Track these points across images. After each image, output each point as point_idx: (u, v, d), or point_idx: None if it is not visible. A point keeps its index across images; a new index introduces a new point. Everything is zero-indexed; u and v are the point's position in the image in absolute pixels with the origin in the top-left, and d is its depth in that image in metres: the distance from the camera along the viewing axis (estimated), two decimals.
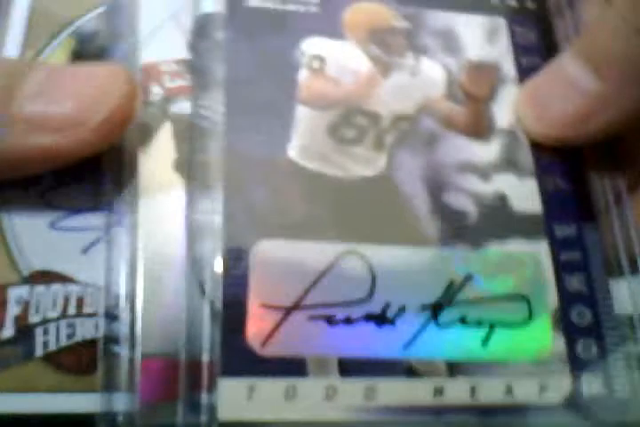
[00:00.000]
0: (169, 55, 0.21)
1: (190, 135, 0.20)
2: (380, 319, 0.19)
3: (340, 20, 0.22)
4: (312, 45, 0.22)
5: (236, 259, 0.19)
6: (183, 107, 0.21)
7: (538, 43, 0.24)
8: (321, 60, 0.22)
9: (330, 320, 0.19)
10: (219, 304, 0.18)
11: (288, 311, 0.19)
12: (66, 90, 0.18)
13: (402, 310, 0.19)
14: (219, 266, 0.18)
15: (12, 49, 0.20)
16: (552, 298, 0.21)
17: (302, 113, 0.21)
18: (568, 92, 0.21)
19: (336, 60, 0.22)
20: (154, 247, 0.19)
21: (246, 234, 0.19)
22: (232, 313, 0.18)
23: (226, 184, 0.19)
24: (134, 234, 0.19)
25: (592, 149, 0.23)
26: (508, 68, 0.23)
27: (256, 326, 0.18)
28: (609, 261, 0.22)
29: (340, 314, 0.19)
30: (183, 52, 0.21)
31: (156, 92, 0.21)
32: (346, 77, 0.22)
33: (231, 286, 0.18)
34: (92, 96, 0.18)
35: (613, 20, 0.21)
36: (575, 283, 0.21)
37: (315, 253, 0.19)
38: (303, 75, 0.21)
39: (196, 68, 0.21)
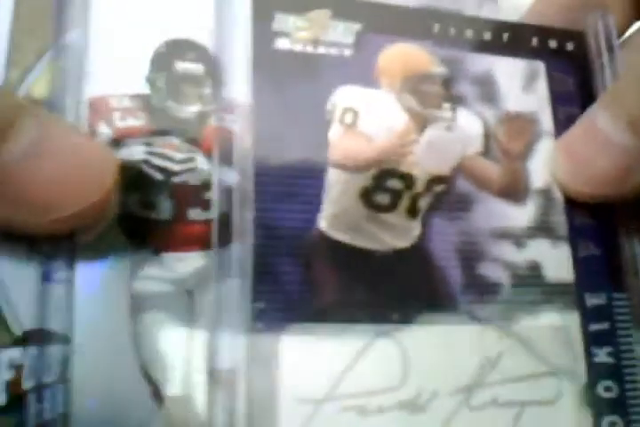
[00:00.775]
0: (121, 88, 0.18)
1: (141, 187, 0.18)
2: (413, 407, 0.18)
3: (374, 65, 0.20)
4: (344, 96, 0.20)
5: (264, 347, 0.17)
6: (135, 152, 0.18)
7: (576, 90, 0.22)
8: (354, 113, 0.20)
9: (362, 411, 0.18)
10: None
11: (320, 404, 0.17)
12: (51, 163, 0.15)
13: (434, 395, 0.19)
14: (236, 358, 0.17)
15: None
16: (581, 372, 0.20)
17: (334, 177, 0.19)
18: (603, 148, 0.20)
19: (370, 113, 0.20)
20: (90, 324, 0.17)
21: (276, 318, 0.18)
22: (261, 411, 0.17)
23: (255, 261, 0.18)
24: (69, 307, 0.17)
25: (623, 208, 0.22)
26: (546, 119, 0.22)
27: (287, 422, 0.17)
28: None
29: (371, 403, 0.18)
30: (139, 86, 0.18)
31: (103, 132, 0.18)
32: (380, 134, 0.20)
33: (258, 380, 0.17)
34: (77, 181, 0.16)
35: None
36: (603, 356, 0.21)
37: (346, 337, 0.18)
38: (335, 131, 0.19)
39: (154, 106, 0.18)
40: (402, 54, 0.21)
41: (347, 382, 0.18)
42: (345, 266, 0.19)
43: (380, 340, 0.18)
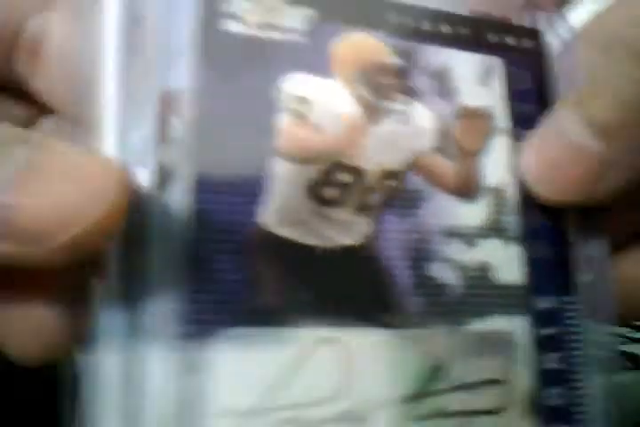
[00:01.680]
0: None
1: None
2: (354, 418, 0.17)
3: (328, 54, 0.19)
4: (295, 84, 0.19)
5: (195, 350, 0.16)
6: None
7: (533, 87, 0.22)
8: (304, 102, 0.19)
9: (298, 423, 0.17)
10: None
11: (251, 416, 0.16)
12: (42, 185, 0.14)
13: (378, 404, 0.18)
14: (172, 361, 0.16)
15: None
16: (527, 380, 0.20)
17: (280, 168, 0.18)
18: (572, 154, 0.19)
19: (321, 102, 0.19)
20: None
21: (211, 321, 0.16)
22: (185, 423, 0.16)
23: (190, 257, 0.16)
24: None
25: (574, 209, 0.21)
26: (502, 116, 0.21)
27: None
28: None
29: (309, 415, 0.17)
30: None
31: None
32: (331, 124, 0.19)
33: (185, 390, 0.16)
34: (71, 203, 0.14)
35: (618, 79, 0.19)
36: (553, 362, 0.20)
37: (288, 342, 0.17)
38: (284, 120, 0.18)
39: None
40: (357, 44, 0.20)
41: (283, 392, 0.17)
42: (288, 264, 0.18)
43: (322, 346, 0.17)
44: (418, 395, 0.18)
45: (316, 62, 0.19)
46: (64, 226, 0.14)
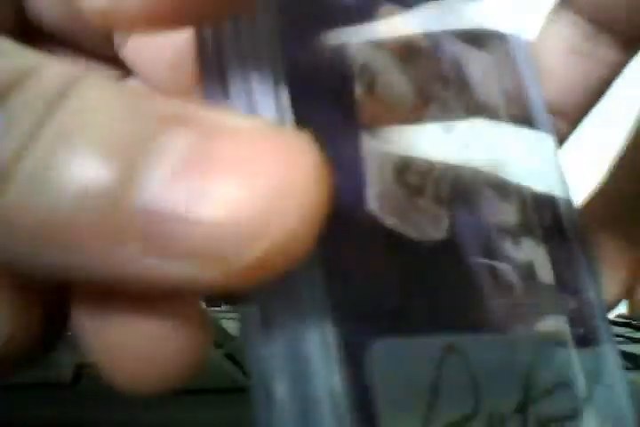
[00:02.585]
0: None
1: None
2: None
3: (376, 23, 0.17)
4: (362, 50, 0.16)
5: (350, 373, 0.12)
6: None
7: (515, 88, 0.22)
8: (371, 73, 0.16)
9: None
10: None
11: None
12: (215, 185, 0.09)
13: (502, 420, 0.15)
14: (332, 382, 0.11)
15: None
16: (581, 380, 0.18)
17: (368, 144, 0.15)
18: None
19: (385, 75, 0.16)
20: None
21: (358, 331, 0.12)
22: None
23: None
24: None
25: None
26: (504, 115, 0.21)
27: None
28: None
29: None
30: None
31: None
32: (394, 100, 0.16)
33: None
34: (259, 207, 0.09)
35: None
36: (587, 362, 0.19)
37: (422, 353, 0.13)
38: (358, 90, 0.15)
39: None
40: (399, 20, 0.17)
41: (434, 414, 0.13)
42: (401, 261, 0.14)
43: (449, 355, 0.14)
44: (526, 404, 0.16)
45: (370, 30, 0.16)
46: (250, 240, 0.09)
